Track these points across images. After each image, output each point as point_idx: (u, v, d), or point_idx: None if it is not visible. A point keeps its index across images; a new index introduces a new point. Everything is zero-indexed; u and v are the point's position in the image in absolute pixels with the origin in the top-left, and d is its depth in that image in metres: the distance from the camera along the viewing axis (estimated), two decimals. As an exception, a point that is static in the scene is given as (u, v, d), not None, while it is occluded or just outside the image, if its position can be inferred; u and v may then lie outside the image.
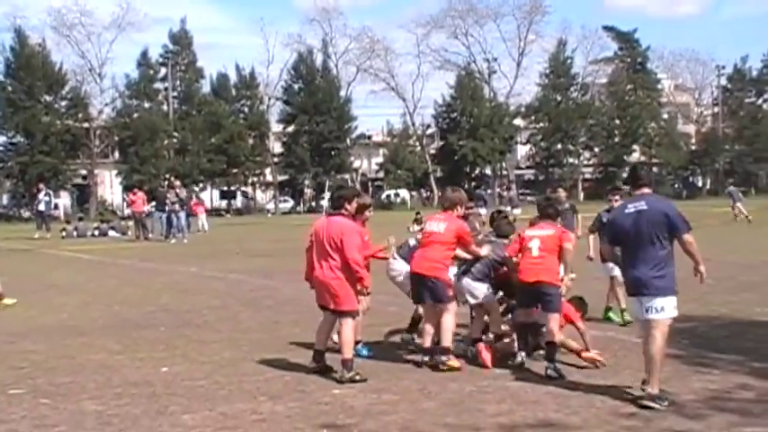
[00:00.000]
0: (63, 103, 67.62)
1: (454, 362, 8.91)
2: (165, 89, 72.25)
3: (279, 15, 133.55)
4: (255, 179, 76.12)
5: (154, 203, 34.27)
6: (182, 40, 72.82)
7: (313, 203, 70.87)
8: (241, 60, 77.20)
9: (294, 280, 12.41)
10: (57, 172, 64.59)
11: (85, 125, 68.82)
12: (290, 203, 76.02)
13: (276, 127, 76.47)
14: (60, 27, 69.85)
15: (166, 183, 44.80)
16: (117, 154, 71.80)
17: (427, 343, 9.23)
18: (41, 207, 35.96)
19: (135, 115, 68.49)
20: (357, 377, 8.32)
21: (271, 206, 73.13)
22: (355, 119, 77.07)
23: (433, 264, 9.15)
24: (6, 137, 66.12)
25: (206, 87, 73.57)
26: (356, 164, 78.84)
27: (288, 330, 11.51)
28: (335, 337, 9.18)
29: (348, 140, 76.27)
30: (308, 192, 76.13)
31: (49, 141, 63.76)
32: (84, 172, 69.49)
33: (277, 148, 76.93)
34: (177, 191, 32.19)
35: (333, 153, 73.46)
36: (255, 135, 73.58)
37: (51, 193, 39.20)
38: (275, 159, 75.74)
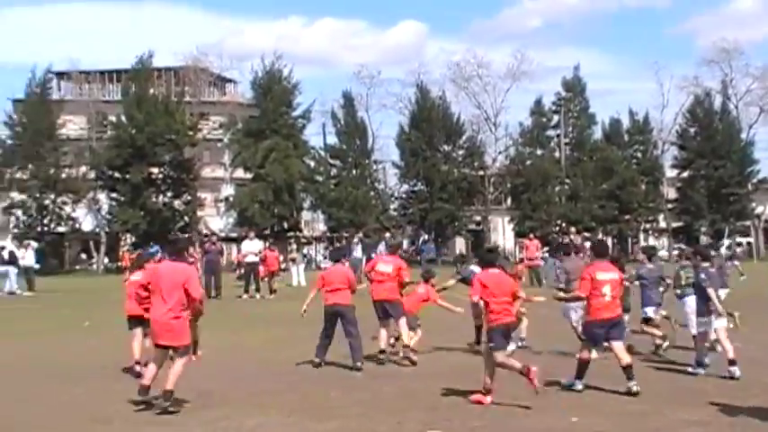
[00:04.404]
0: (460, 152, 70.42)
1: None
2: (557, 136, 72.88)
3: (674, 58, 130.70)
4: (648, 225, 74.31)
5: (546, 249, 34.24)
6: (574, 87, 73.05)
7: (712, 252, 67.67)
8: (634, 105, 75.22)
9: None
10: (453, 218, 67.57)
11: (480, 173, 71.28)
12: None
13: (670, 172, 74.24)
14: (458, 79, 73.00)
15: (559, 229, 44.95)
16: (509, 201, 73.55)
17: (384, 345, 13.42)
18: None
19: (527, 162, 69.82)
20: (172, 408, 9.32)
21: (663, 253, 70.81)
22: (757, 162, 72.78)
23: (391, 291, 13.31)
24: (408, 185, 70.31)
25: (597, 133, 73.13)
26: (758, 210, 74.12)
27: (689, 383, 10.96)
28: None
29: (749, 185, 72.16)
30: (704, 239, 72.78)
31: (447, 189, 66.76)
32: (478, 218, 71.94)
33: (671, 193, 74.61)
34: (572, 237, 32.15)
35: (732, 199, 69.84)
36: (648, 181, 71.93)
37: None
38: (669, 206, 73.46)
